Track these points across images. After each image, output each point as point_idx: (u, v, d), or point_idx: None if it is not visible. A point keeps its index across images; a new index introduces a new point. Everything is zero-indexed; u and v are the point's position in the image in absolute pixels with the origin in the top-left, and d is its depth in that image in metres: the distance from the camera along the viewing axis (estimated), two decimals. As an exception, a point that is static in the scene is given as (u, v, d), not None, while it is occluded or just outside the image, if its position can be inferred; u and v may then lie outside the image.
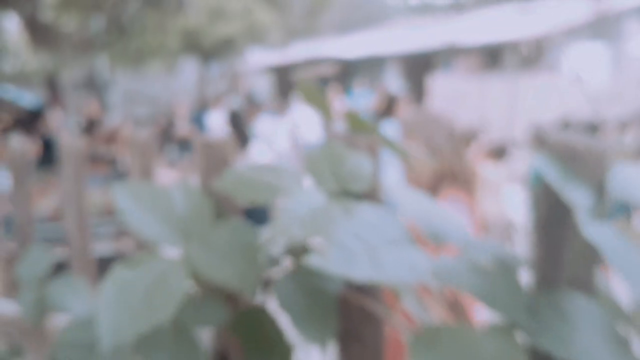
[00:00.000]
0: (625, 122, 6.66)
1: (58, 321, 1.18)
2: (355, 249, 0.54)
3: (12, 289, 1.48)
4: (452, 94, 14.67)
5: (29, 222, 1.40)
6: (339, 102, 16.24)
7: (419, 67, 19.07)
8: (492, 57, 17.32)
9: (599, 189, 0.56)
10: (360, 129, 0.74)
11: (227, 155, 0.89)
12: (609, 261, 0.49)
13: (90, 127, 8.40)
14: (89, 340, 0.74)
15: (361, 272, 0.53)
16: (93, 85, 16.85)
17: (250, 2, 15.55)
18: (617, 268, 0.48)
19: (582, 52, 14.69)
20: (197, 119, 14.45)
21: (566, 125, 6.01)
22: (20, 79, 14.51)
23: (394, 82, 18.80)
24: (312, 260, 0.53)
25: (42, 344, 1.20)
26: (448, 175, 2.00)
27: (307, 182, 0.70)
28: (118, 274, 0.66)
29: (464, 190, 1.96)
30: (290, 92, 17.58)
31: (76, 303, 1.13)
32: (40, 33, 7.40)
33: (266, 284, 0.74)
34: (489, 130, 6.37)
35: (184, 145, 13.91)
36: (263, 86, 23.44)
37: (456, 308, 0.70)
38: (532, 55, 16.16)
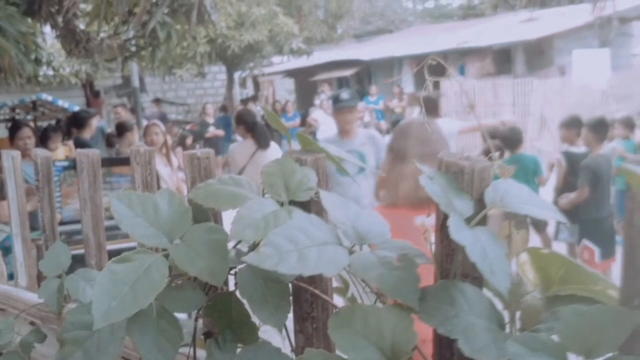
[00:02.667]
0: (633, 121, 6.72)
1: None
2: (286, 248, 0.69)
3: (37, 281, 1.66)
4: (465, 97, 14.73)
5: (53, 222, 1.58)
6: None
7: (433, 70, 19.14)
8: (502, 60, 17.33)
9: (479, 200, 0.70)
10: (310, 148, 0.89)
11: (211, 165, 1.05)
12: (470, 258, 0.63)
13: (121, 130, 8.66)
14: (91, 322, 0.90)
15: (288, 267, 0.68)
16: (127, 90, 17.25)
17: (274, 10, 15.82)
18: (477, 263, 0.63)
19: (589, 55, 14.66)
20: (224, 122, 14.74)
21: (576, 124, 6.06)
22: (57, 85, 14.95)
23: (409, 84, 18.93)
24: (248, 258, 0.68)
25: (61, 330, 1.37)
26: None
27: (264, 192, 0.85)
28: (110, 267, 0.82)
29: None
30: (311, 95, 17.80)
31: (90, 293, 1.29)
32: (73, 41, 7.65)
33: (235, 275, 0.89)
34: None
35: (212, 146, 14.18)
36: (286, 89, 23.70)
37: None
38: (542, 58, 16.13)
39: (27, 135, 6.10)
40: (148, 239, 0.87)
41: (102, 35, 7.62)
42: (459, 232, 0.64)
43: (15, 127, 6.34)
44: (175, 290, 0.91)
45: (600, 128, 5.81)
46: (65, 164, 3.76)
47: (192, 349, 0.98)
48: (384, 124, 17.48)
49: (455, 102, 15.91)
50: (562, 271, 0.72)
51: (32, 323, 1.54)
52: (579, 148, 6.02)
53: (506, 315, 0.71)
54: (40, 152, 1.52)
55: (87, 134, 8.30)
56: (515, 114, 14.58)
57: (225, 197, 0.84)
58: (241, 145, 5.56)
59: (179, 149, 9.03)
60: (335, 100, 4.62)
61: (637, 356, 0.54)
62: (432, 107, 6.41)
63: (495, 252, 0.65)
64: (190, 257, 0.85)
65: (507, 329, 0.69)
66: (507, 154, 5.95)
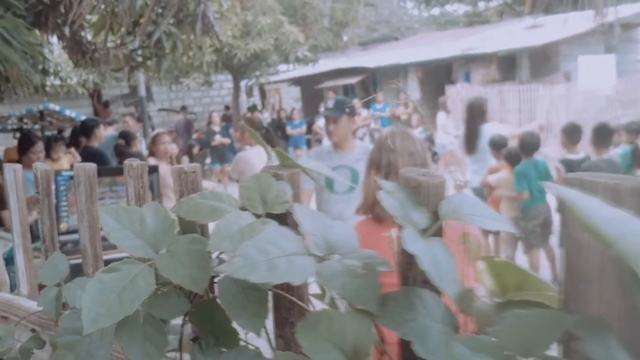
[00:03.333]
0: (639, 126, 6.73)
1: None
2: (256, 259, 0.75)
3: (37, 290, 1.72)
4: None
5: (52, 233, 1.64)
6: (364, 112, 16.31)
7: (438, 77, 19.24)
8: (508, 67, 17.38)
9: (434, 212, 0.76)
10: (287, 163, 0.95)
11: (197, 179, 1.11)
12: (421, 266, 0.69)
13: (128, 139, 8.77)
14: (82, 327, 0.96)
15: (258, 276, 0.74)
16: (134, 99, 17.40)
17: (279, 19, 15.93)
18: (427, 270, 0.68)
19: (595, 61, 14.70)
20: (230, 130, 14.84)
21: (574, 131, 6.11)
22: (64, 95, 15.10)
23: (415, 91, 19.00)
24: (222, 268, 0.74)
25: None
26: None
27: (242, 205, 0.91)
28: (99, 276, 0.88)
29: None
30: (317, 102, 17.92)
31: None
32: (80, 51, 7.75)
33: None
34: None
35: (219, 154, 14.28)
36: (292, 97, 23.80)
37: None
38: (547, 64, 16.18)
39: (40, 149, 6.27)
40: (135, 250, 0.93)
41: (108, 45, 7.71)
42: (412, 243, 0.70)
43: (28, 141, 6.47)
44: (161, 298, 0.96)
45: (605, 133, 5.84)
46: (72, 173, 3.82)
47: (179, 354, 1.04)
48: (389, 131, 17.54)
49: (462, 109, 15.99)
50: (516, 279, 0.78)
51: (33, 330, 1.60)
52: (577, 155, 6.05)
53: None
54: (40, 166, 1.58)
55: (95, 143, 8.39)
56: (522, 120, 14.65)
57: (205, 210, 0.90)
58: (249, 154, 5.54)
59: (185, 158, 9.12)
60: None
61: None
62: (479, 113, 6.39)
63: (445, 261, 0.70)
64: (173, 266, 0.90)
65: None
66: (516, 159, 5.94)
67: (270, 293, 0.96)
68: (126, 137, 8.79)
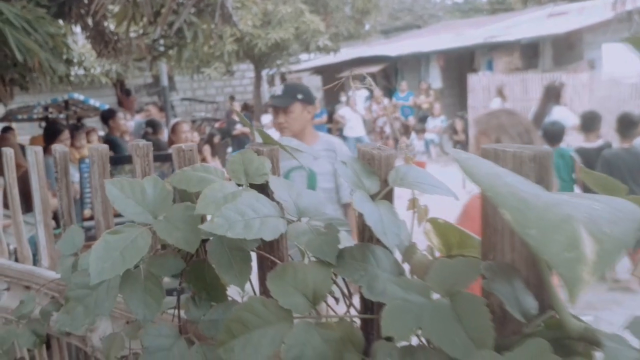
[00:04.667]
0: None
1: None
2: (234, 219, 0.88)
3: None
4: (494, 92, 14.80)
5: (70, 208, 1.80)
6: (385, 101, 16.30)
7: (460, 65, 19.21)
8: (530, 55, 17.27)
9: (385, 180, 0.89)
10: (269, 141, 1.08)
11: (194, 157, 1.25)
12: (366, 222, 0.81)
13: (155, 127, 9.01)
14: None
15: (235, 232, 0.87)
16: (157, 89, 17.66)
17: (300, 7, 16.02)
18: (372, 226, 0.81)
19: (619, 48, 14.55)
20: (250, 120, 15.01)
21: (592, 120, 6.15)
22: (88, 85, 15.40)
23: (437, 80, 18.97)
24: (204, 226, 0.87)
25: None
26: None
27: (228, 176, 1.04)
28: (105, 237, 1.02)
29: None
30: (338, 91, 18.05)
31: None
32: (102, 42, 7.93)
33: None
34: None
35: (240, 142, 14.45)
36: (313, 86, 23.90)
37: None
38: (571, 52, 16.06)
39: (66, 137, 6.54)
40: (136, 216, 1.07)
41: (130, 35, 7.89)
42: (360, 204, 0.82)
43: (54, 129, 6.72)
44: (160, 258, 1.10)
45: (628, 123, 5.87)
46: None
47: (177, 310, 1.18)
48: (412, 120, 17.59)
49: (483, 97, 16.00)
50: (458, 238, 0.90)
51: (52, 297, 1.76)
52: (593, 143, 6.10)
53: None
54: (58, 148, 1.73)
55: (115, 132, 8.61)
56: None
57: (195, 180, 1.04)
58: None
59: (206, 147, 9.29)
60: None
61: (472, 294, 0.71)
62: (554, 95, 6.56)
63: (389, 219, 0.83)
64: (169, 229, 1.04)
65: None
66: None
67: (255, 255, 1.10)
68: (153, 125, 9.02)
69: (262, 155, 1.05)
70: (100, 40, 8.03)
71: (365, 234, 0.91)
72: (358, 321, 0.94)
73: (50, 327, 1.64)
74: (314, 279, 0.85)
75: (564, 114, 6.69)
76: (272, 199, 0.96)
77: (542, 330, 0.68)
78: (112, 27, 8.05)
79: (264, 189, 1.03)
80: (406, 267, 0.88)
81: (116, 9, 7.43)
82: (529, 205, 0.54)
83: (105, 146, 1.60)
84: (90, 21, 7.55)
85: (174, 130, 7.79)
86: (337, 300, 1.02)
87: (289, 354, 0.79)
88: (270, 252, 1.09)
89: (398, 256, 0.89)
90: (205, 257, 1.10)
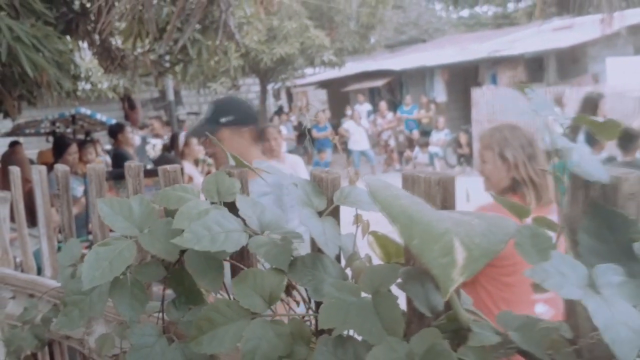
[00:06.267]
0: None
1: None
2: (202, 234, 1.04)
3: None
4: (498, 106, 14.93)
5: (70, 222, 1.96)
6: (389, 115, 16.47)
7: (465, 79, 19.35)
8: (535, 69, 17.39)
9: (331, 199, 1.04)
10: (240, 165, 1.24)
11: (178, 177, 1.41)
12: (311, 234, 0.97)
13: (172, 142, 9.20)
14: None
15: (202, 245, 1.02)
16: (164, 103, 17.89)
17: (305, 23, 16.23)
18: (315, 238, 0.96)
19: (623, 62, 14.65)
20: (257, 134, 15.15)
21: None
22: (95, 100, 15.64)
23: (441, 94, 19.10)
24: (176, 240, 1.03)
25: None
26: (523, 183, 2.37)
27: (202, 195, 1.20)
28: (95, 249, 1.17)
29: (535, 197, 2.34)
30: (344, 105, 18.25)
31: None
32: (109, 58, 8.12)
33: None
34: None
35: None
36: (319, 100, 24.11)
37: None
38: (575, 66, 16.16)
39: (75, 150, 6.72)
40: (124, 230, 1.23)
41: (137, 52, 8.09)
42: (307, 220, 0.98)
43: (63, 143, 6.90)
44: (144, 266, 1.26)
45: (628, 137, 5.94)
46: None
47: (161, 313, 1.33)
48: (416, 134, 17.74)
49: (487, 111, 16.14)
50: (394, 248, 1.05)
51: (54, 305, 1.91)
52: (597, 155, 6.22)
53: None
54: (59, 167, 1.90)
55: (124, 146, 8.78)
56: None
57: (174, 199, 1.20)
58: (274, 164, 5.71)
59: (212, 160, 9.44)
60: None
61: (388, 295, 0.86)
62: (591, 106, 6.60)
63: (331, 232, 0.98)
64: (152, 241, 1.20)
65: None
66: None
67: (229, 264, 1.25)
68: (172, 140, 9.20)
69: (232, 177, 1.21)
70: (107, 56, 8.24)
71: (316, 245, 1.06)
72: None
73: (51, 332, 1.80)
74: (270, 283, 1.01)
75: None
76: (238, 216, 1.12)
77: (445, 323, 0.83)
78: (118, 43, 8.25)
79: (233, 207, 1.19)
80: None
81: (122, 26, 7.64)
82: (414, 221, 0.70)
83: (102, 166, 1.76)
84: (97, 38, 7.76)
85: (187, 143, 7.95)
86: (297, 303, 1.17)
87: (246, 346, 0.95)
88: (241, 260, 1.24)
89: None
90: (184, 265, 1.25)
